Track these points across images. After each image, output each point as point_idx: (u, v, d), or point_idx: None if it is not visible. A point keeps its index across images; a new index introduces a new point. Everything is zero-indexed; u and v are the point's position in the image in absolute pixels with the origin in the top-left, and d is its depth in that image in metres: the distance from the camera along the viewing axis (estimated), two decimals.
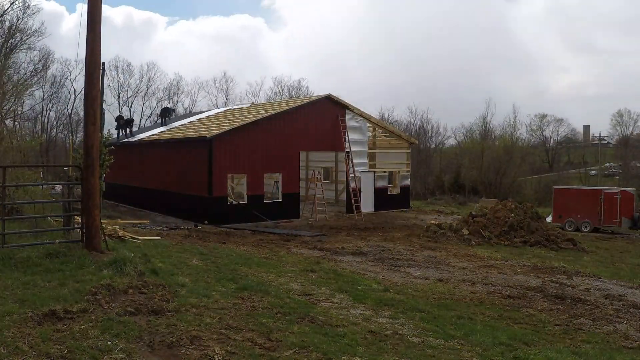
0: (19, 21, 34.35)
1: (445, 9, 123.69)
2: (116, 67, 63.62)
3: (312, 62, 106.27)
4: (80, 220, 10.31)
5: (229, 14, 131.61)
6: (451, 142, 74.17)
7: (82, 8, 10.21)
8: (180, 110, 64.87)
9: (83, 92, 10.75)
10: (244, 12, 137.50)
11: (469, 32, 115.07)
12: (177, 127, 31.00)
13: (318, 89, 74.70)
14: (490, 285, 11.41)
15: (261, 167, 24.36)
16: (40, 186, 18.25)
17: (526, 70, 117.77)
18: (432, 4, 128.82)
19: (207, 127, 26.70)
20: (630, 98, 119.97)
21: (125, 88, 64.42)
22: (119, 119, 34.15)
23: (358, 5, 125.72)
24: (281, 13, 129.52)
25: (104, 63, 27.82)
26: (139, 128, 49.87)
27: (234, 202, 23.72)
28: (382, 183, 29.49)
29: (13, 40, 34.28)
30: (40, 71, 47.28)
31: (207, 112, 37.94)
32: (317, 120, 26.54)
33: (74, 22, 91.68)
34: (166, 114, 35.47)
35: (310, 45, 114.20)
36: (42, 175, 25.70)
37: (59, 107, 59.63)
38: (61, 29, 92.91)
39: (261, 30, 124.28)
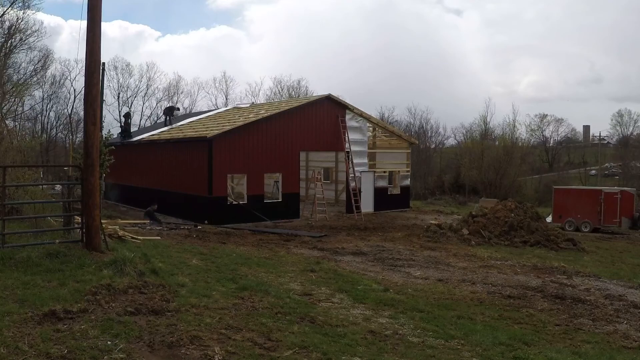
0: (19, 21, 34.34)
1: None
2: (115, 67, 63.68)
3: (309, 64, 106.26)
4: (80, 220, 10.31)
5: (209, 27, 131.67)
6: (451, 142, 74.35)
7: (82, 8, 10.22)
8: (180, 110, 64.93)
9: (83, 92, 10.74)
10: (223, 24, 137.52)
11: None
12: (177, 127, 31.02)
13: (317, 89, 74.71)
14: (490, 285, 11.40)
15: (261, 167, 24.36)
16: (40, 186, 18.27)
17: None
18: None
19: (207, 127, 26.70)
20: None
21: (125, 88, 64.50)
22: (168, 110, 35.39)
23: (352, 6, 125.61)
24: (264, 20, 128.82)
25: (103, 63, 27.86)
26: (138, 128, 49.91)
27: (234, 202, 23.73)
28: (382, 183, 29.48)
29: (13, 40, 34.28)
30: (40, 71, 47.29)
31: (207, 112, 37.95)
32: (317, 120, 26.55)
33: (72, 36, 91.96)
34: (170, 113, 35.41)
35: (304, 46, 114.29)
36: (42, 175, 25.71)
37: (59, 107, 59.69)
38: (60, 39, 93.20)
39: (244, 39, 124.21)
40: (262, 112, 27.21)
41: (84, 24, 9.94)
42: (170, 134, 29.23)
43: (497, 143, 61.23)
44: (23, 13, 33.47)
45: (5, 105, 26.66)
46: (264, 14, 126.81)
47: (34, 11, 36.03)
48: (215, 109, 44.85)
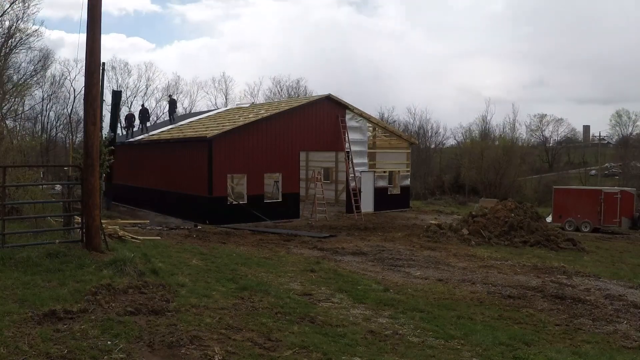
0: (19, 21, 34.32)
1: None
2: (114, 67, 63.67)
3: (308, 63, 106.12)
4: (80, 220, 10.31)
5: (192, 38, 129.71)
6: (451, 142, 74.32)
7: (82, 6, 10.21)
8: (180, 110, 64.96)
9: (83, 92, 10.75)
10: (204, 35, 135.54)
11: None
12: (177, 127, 31.02)
13: (317, 89, 74.70)
14: (490, 285, 11.39)
15: (261, 167, 24.36)
16: (40, 186, 18.27)
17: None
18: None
19: (207, 127, 26.70)
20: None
21: (124, 88, 64.49)
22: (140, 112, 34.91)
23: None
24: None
25: (103, 63, 27.85)
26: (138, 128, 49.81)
27: (234, 202, 23.73)
28: (382, 183, 29.48)
29: (13, 40, 34.24)
30: (40, 71, 47.21)
31: (207, 112, 37.95)
32: (317, 120, 26.56)
33: (72, 48, 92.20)
34: (173, 105, 35.97)
35: (302, 46, 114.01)
36: (42, 175, 25.72)
37: (58, 107, 59.65)
38: (61, 52, 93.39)
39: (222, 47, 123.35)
40: (262, 112, 27.22)
41: (84, 24, 9.93)
42: (170, 134, 29.23)
43: (496, 143, 61.23)
44: (23, 13, 33.45)
45: (5, 105, 26.69)
46: (237, 24, 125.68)
47: (34, 12, 36.03)
48: (215, 109, 44.86)
